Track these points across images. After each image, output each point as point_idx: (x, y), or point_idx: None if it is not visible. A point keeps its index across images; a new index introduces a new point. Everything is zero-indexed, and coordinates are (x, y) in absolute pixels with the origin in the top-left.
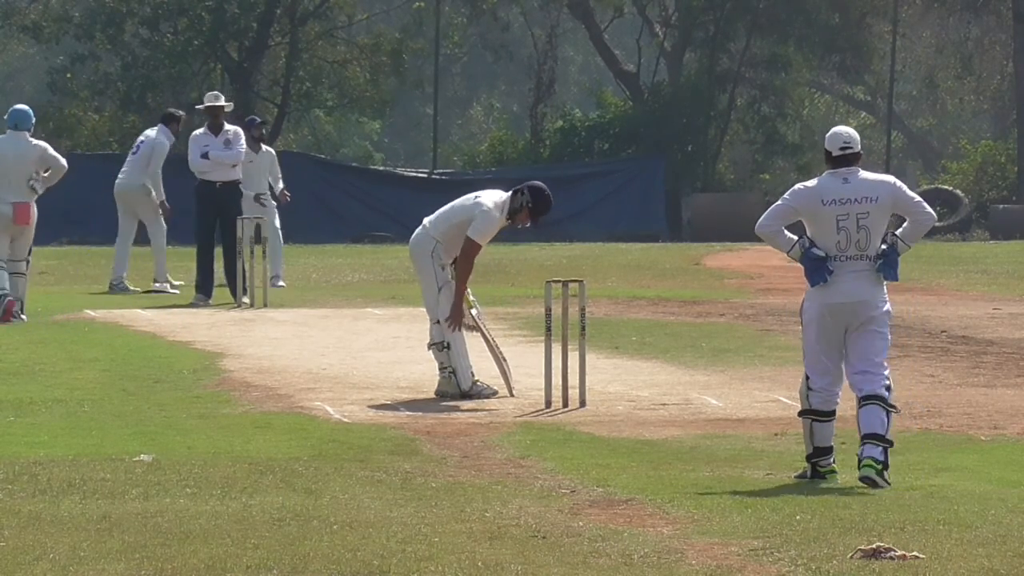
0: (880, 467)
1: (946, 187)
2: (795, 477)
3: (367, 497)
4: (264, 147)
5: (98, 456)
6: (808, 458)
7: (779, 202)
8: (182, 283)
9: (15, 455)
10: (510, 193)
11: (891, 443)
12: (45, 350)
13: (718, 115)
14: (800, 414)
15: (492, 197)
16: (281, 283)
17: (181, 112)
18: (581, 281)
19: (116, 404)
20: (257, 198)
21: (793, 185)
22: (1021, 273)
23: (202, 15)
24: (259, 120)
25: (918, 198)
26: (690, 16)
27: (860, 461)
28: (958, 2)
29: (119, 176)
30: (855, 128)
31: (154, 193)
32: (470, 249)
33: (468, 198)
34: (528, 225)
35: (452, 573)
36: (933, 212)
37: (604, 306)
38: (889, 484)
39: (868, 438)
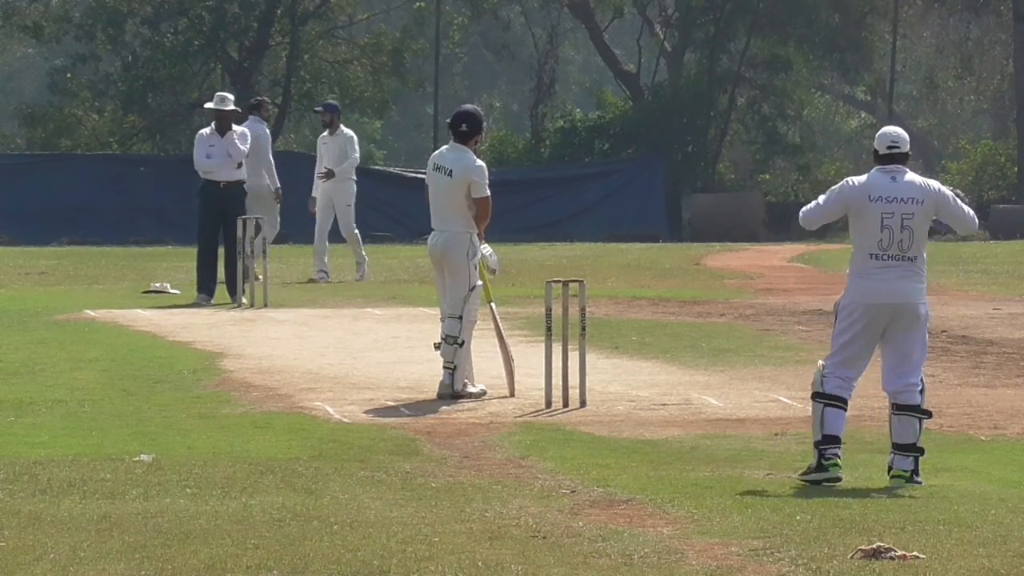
0: (909, 475)
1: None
2: (798, 476)
3: (367, 497)
4: (343, 129)
5: (98, 456)
6: (816, 445)
7: (828, 196)
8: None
9: (15, 455)
10: (458, 144)
11: (922, 451)
12: (45, 350)
13: (718, 115)
14: (813, 397)
15: (463, 158)
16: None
17: (263, 97)
18: (581, 281)
19: (116, 404)
20: (328, 174)
21: (794, 185)
22: (1021, 273)
23: (202, 15)
24: (320, 107)
25: (959, 203)
26: (690, 16)
27: (890, 469)
28: (958, 2)
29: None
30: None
31: (268, 181)
32: (485, 205)
33: (442, 180)
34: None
35: (452, 573)
36: (975, 217)
37: (604, 306)
38: (921, 483)
39: (899, 448)
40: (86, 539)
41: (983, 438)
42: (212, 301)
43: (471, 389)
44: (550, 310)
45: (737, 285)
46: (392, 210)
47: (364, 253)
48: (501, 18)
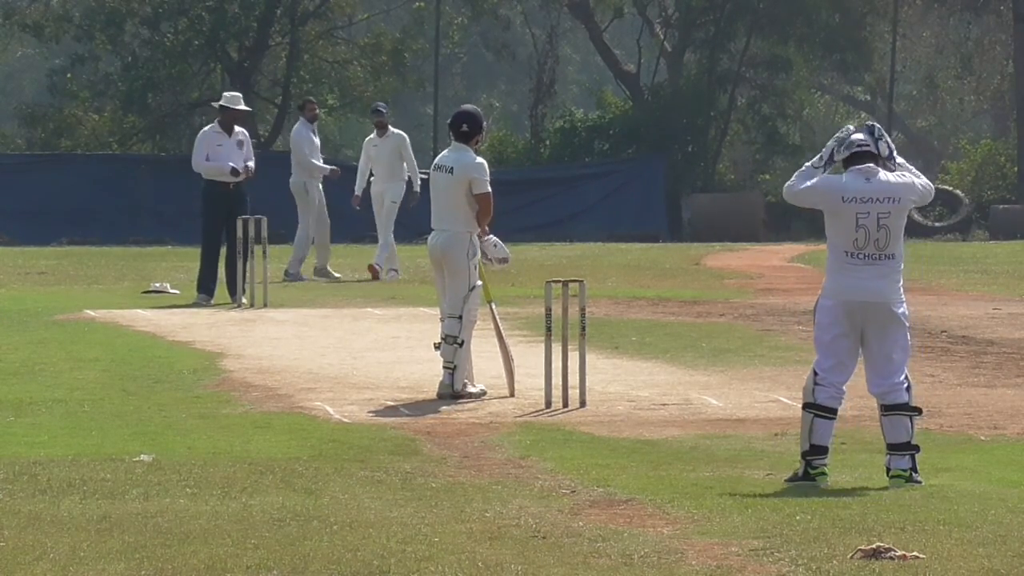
0: (908, 474)
1: (946, 187)
2: (786, 481)
3: (367, 497)
4: (393, 131)
5: (98, 456)
6: (803, 455)
7: (815, 180)
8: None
9: (15, 455)
10: (459, 143)
11: (917, 448)
12: (45, 350)
13: (718, 115)
14: (804, 407)
15: (464, 156)
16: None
17: (309, 98)
18: (581, 281)
19: (116, 404)
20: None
21: None
22: (1021, 273)
23: (202, 15)
24: (379, 107)
25: (922, 186)
26: (690, 16)
27: (888, 471)
28: (958, 2)
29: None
30: (857, 128)
31: (318, 173)
32: (486, 201)
33: (442, 179)
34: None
35: (452, 573)
36: (931, 188)
37: (604, 306)
38: (921, 482)
39: (894, 448)
40: (86, 539)
41: (983, 438)
42: (212, 301)
43: (471, 389)
44: (550, 310)
45: (737, 285)
46: None
47: (388, 256)
48: (501, 18)
